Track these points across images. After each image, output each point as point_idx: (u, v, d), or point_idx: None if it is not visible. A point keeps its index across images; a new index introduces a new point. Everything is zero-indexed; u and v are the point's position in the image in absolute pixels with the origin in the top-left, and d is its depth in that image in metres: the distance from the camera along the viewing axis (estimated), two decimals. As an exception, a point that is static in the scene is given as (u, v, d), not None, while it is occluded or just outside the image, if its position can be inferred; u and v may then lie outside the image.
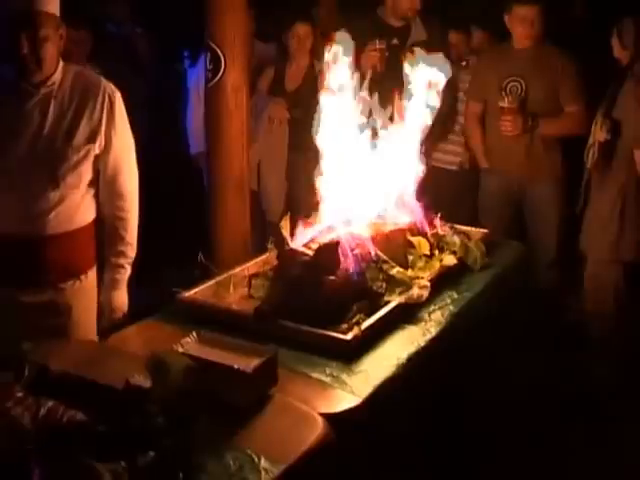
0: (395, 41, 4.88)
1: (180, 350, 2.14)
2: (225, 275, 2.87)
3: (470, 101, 4.92)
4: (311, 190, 4.89)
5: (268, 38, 5.51)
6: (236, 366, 2.05)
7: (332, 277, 2.57)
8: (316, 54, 5.07)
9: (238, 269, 2.91)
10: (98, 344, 2.66)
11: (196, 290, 2.75)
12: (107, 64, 5.30)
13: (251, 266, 2.94)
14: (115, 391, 1.91)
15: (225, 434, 1.91)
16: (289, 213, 2.95)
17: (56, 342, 2.99)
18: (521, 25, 4.60)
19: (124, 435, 1.77)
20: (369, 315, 2.50)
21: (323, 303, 2.50)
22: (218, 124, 3.61)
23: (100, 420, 1.79)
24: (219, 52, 3.52)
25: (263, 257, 2.99)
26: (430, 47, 4.84)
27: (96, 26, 5.84)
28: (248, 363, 2.07)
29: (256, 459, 1.83)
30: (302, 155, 4.91)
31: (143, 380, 1.93)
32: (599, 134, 4.07)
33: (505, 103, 4.56)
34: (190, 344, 2.21)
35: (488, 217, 4.73)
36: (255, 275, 2.79)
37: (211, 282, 2.83)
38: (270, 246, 2.93)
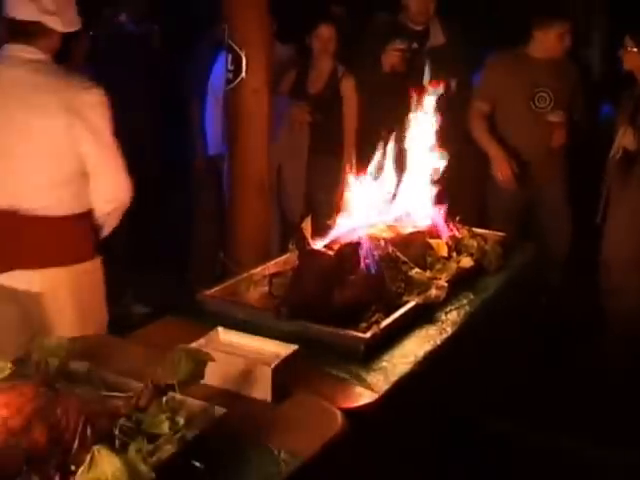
0: (415, 45, 4.93)
1: (202, 346, 2.17)
2: (246, 274, 2.89)
3: (478, 101, 4.97)
4: (331, 192, 4.97)
5: (287, 39, 5.54)
6: (258, 362, 2.10)
7: (352, 277, 2.60)
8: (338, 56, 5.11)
9: (259, 268, 2.92)
10: (119, 340, 2.69)
11: (217, 288, 2.78)
12: (123, 64, 5.39)
13: (272, 265, 2.96)
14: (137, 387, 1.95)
15: (246, 428, 1.94)
16: (310, 214, 2.98)
17: (77, 337, 3.04)
18: (558, 40, 4.70)
19: (145, 429, 1.80)
20: (388, 314, 2.54)
21: (343, 302, 2.54)
22: (239, 126, 3.64)
23: (121, 415, 1.83)
24: (240, 53, 3.55)
25: (284, 257, 3.02)
26: (448, 50, 4.96)
27: (112, 26, 5.91)
28: (270, 360, 2.12)
29: (276, 452, 1.86)
30: (322, 157, 4.96)
31: (165, 376, 1.97)
32: (629, 142, 4.16)
33: (556, 117, 4.68)
34: (212, 340, 2.25)
35: (500, 218, 4.81)
36: (276, 274, 2.81)
37: (232, 281, 2.86)
38: (291, 246, 2.96)
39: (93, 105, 2.86)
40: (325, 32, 5.05)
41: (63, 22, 2.85)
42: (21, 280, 2.86)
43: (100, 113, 2.88)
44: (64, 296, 2.91)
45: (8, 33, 2.81)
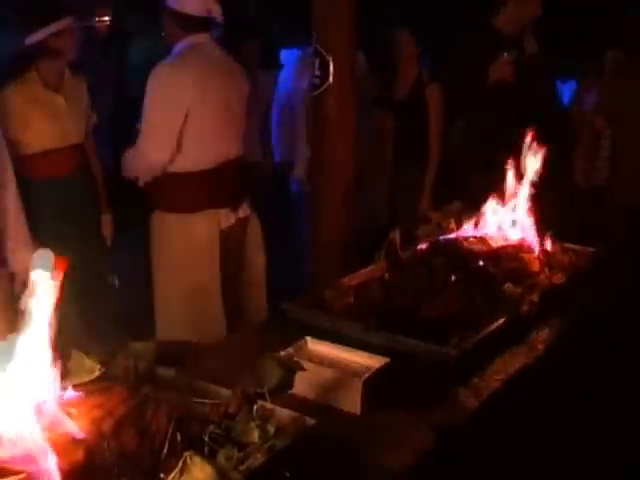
0: (515, 53, 4.81)
1: (291, 356, 2.14)
2: (331, 284, 2.83)
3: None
4: (415, 199, 4.91)
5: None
6: (348, 374, 2.07)
7: (442, 291, 2.57)
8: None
9: (345, 278, 2.86)
10: (205, 346, 2.69)
11: (302, 297, 2.75)
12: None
13: (357, 275, 2.91)
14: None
15: (336, 440, 1.92)
16: (394, 222, 2.94)
17: (163, 341, 3.05)
18: None
19: (235, 437, 1.78)
20: (478, 330, 2.49)
21: (432, 316, 2.49)
22: (325, 132, 3.62)
23: (210, 421, 1.81)
24: (328, 58, 3.52)
25: (369, 267, 2.95)
26: (542, 60, 4.86)
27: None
28: (360, 371, 2.09)
29: (365, 465, 1.85)
30: (406, 164, 4.90)
31: (254, 383, 1.95)
32: None
33: None
34: (301, 350, 2.24)
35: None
36: (362, 284, 2.77)
37: (317, 290, 2.81)
38: (377, 257, 2.91)
39: None
40: (399, 38, 4.98)
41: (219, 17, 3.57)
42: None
43: None
44: None
45: (181, 26, 3.49)
